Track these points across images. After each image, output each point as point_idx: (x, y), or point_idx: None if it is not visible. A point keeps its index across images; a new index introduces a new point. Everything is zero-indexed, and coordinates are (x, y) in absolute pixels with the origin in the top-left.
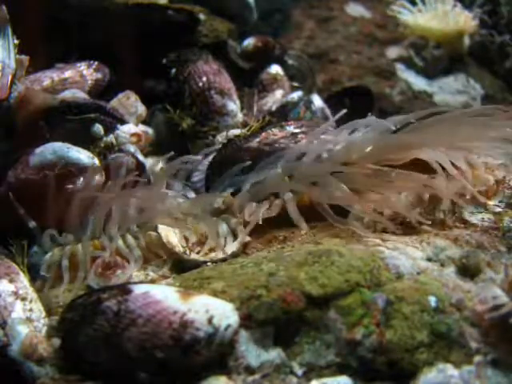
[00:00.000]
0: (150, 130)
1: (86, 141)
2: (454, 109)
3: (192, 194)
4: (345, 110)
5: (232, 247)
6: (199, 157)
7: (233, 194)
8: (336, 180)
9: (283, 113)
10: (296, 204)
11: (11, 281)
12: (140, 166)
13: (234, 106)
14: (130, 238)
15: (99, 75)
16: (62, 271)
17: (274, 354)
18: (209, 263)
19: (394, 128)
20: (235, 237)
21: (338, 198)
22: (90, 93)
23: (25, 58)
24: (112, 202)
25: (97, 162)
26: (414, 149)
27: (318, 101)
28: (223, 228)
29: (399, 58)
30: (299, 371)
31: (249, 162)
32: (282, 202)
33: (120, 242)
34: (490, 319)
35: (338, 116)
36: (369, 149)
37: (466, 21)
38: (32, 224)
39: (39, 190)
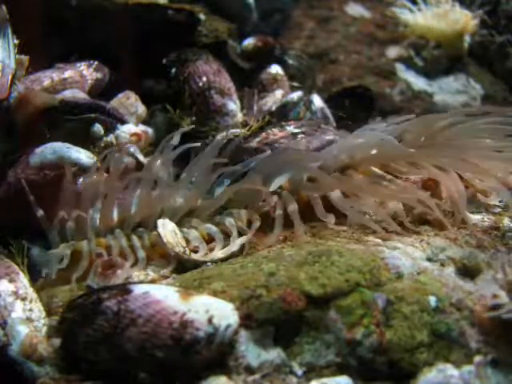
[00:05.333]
0: (150, 130)
1: (86, 141)
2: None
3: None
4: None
5: (232, 247)
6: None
7: None
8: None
9: (283, 113)
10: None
11: (11, 281)
12: (140, 166)
13: (233, 105)
14: (134, 239)
15: (99, 75)
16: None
17: (274, 354)
18: (209, 263)
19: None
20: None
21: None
22: (90, 93)
23: (25, 58)
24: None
25: (97, 162)
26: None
27: (318, 101)
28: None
29: (399, 58)
30: (299, 371)
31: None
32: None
33: (124, 242)
34: (490, 319)
35: None
36: (374, 152)
37: (466, 20)
38: (40, 213)
39: (39, 189)
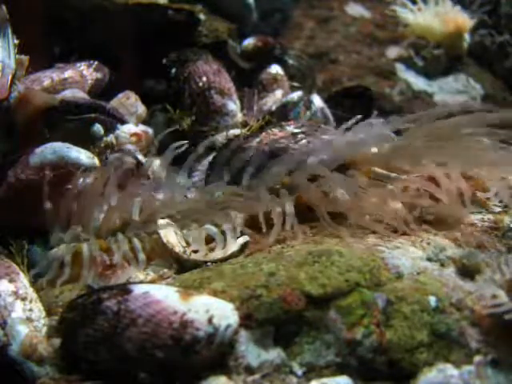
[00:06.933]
0: (150, 130)
1: (86, 141)
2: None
3: (193, 193)
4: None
5: (232, 247)
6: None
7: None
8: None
9: (283, 113)
10: (295, 203)
11: (11, 281)
12: (140, 166)
13: (233, 106)
14: (135, 241)
15: (99, 75)
16: (63, 266)
17: (274, 354)
18: (209, 263)
19: (393, 135)
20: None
21: (335, 203)
22: (89, 93)
23: (25, 58)
24: (115, 200)
25: (97, 161)
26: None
27: (318, 101)
28: (227, 226)
29: (399, 58)
30: (299, 371)
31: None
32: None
33: (125, 245)
34: (490, 318)
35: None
36: (375, 151)
37: (463, 20)
38: (48, 205)
39: (39, 189)
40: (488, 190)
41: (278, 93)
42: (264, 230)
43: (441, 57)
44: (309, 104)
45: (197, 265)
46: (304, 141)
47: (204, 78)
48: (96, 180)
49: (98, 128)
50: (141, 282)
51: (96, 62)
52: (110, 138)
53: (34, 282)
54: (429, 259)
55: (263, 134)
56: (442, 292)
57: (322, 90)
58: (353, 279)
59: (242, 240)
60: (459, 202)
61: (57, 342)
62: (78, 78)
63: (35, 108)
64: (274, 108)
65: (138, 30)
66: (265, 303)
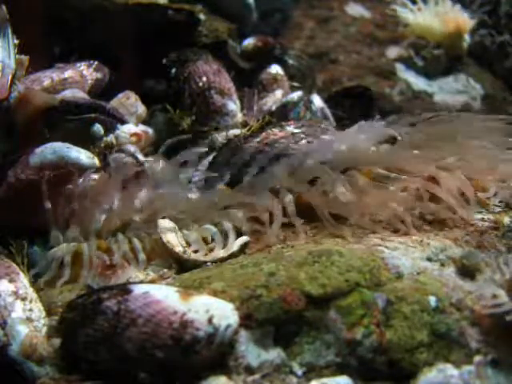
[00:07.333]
0: (150, 130)
1: (86, 141)
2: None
3: (195, 193)
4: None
5: (232, 247)
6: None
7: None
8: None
9: (283, 113)
10: (295, 203)
11: (11, 281)
12: (140, 167)
13: (233, 105)
14: (136, 241)
15: (99, 75)
16: (63, 266)
17: (274, 354)
18: (209, 263)
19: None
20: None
21: (336, 205)
22: (89, 93)
23: (25, 58)
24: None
25: (97, 161)
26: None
27: (318, 101)
28: (227, 225)
29: (399, 58)
30: (299, 371)
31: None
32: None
33: (125, 245)
34: (490, 318)
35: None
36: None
37: (463, 20)
38: (48, 205)
39: (39, 189)
40: (488, 189)
41: (278, 93)
42: (266, 225)
43: (441, 57)
44: (309, 104)
45: (197, 265)
46: (304, 141)
47: (204, 78)
48: (98, 181)
49: (98, 128)
50: (141, 282)
51: (96, 62)
52: (110, 137)
53: (34, 282)
54: (429, 259)
55: (263, 134)
56: (441, 292)
57: (322, 90)
58: (353, 279)
59: (242, 240)
60: (461, 202)
61: (57, 341)
62: (78, 78)
63: (35, 108)
64: (273, 108)
65: (137, 30)
66: (265, 303)
